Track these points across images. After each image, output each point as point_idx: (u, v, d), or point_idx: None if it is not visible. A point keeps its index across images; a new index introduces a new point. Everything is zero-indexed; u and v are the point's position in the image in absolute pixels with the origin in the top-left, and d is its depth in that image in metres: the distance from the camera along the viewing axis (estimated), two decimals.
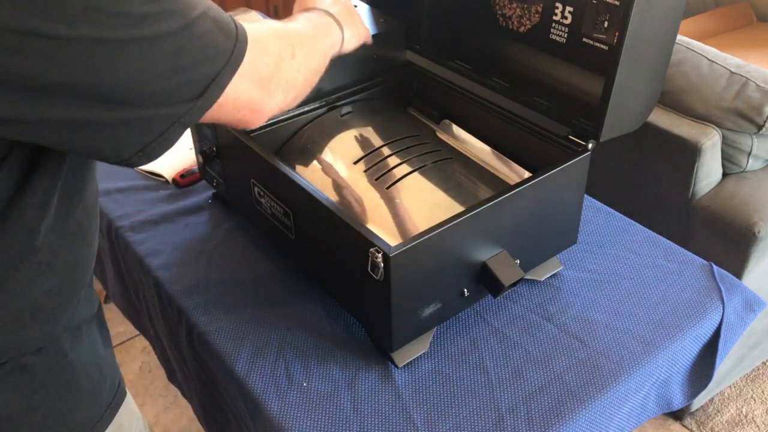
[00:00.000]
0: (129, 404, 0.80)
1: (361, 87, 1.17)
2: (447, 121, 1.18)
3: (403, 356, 0.93)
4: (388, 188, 1.00)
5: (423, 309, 0.89)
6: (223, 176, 1.15)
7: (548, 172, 0.93)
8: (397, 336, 0.89)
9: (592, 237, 1.14)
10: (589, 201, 1.21)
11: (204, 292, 1.05)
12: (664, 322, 0.99)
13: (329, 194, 0.89)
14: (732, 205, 1.41)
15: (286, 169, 0.94)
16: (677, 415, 1.77)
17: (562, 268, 1.08)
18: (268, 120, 0.73)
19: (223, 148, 1.10)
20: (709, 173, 1.43)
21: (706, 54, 1.46)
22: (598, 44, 0.99)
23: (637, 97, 0.95)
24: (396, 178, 1.01)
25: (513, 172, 1.06)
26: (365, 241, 0.81)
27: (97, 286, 2.23)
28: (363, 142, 1.09)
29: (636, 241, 1.13)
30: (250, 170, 1.03)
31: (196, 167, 1.28)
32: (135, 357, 2.00)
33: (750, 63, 1.45)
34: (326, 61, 0.83)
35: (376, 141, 1.08)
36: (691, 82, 1.44)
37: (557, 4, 1.03)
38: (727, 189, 1.44)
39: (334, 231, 0.88)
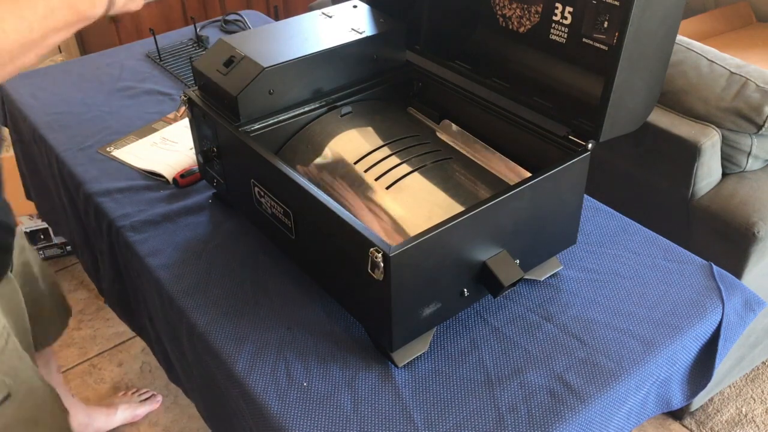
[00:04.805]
0: None
1: (361, 87, 1.17)
2: (447, 121, 1.18)
3: (403, 356, 0.93)
4: (388, 188, 1.00)
5: (423, 309, 0.89)
6: (223, 176, 1.15)
7: (548, 172, 0.93)
8: (397, 336, 0.89)
9: (591, 237, 1.14)
10: (588, 201, 1.21)
11: (204, 292, 1.05)
12: (663, 321, 0.99)
13: (329, 194, 0.89)
14: (732, 205, 1.41)
15: (286, 169, 0.94)
16: (677, 415, 1.77)
17: (561, 268, 1.08)
18: None
19: (223, 148, 1.10)
20: (708, 173, 1.43)
21: (706, 54, 1.46)
22: (598, 44, 0.99)
23: (637, 97, 0.95)
24: (396, 178, 1.01)
25: (513, 172, 1.06)
26: (365, 241, 0.81)
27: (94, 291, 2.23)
28: (363, 142, 1.09)
29: (636, 241, 1.13)
30: (250, 170, 1.03)
31: (196, 167, 1.28)
32: (135, 357, 2.01)
33: (750, 63, 1.45)
34: (43, 26, 0.75)
35: (376, 141, 1.09)
36: (691, 82, 1.44)
37: (557, 4, 1.03)
38: (727, 189, 1.44)
39: (334, 231, 0.88)
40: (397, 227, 0.96)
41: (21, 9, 0.74)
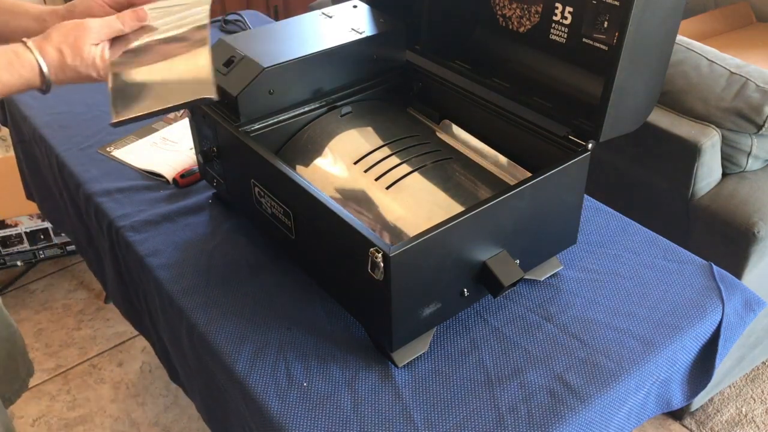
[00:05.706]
0: None
1: (361, 87, 1.17)
2: (447, 121, 1.18)
3: (403, 356, 0.93)
4: (388, 188, 1.00)
5: (423, 309, 0.89)
6: (223, 176, 1.15)
7: (548, 172, 0.93)
8: (397, 336, 0.89)
9: (592, 237, 1.14)
10: (589, 201, 1.21)
11: (204, 292, 1.05)
12: (663, 321, 0.99)
13: (329, 194, 0.89)
14: (732, 205, 1.41)
15: (286, 169, 0.94)
16: (677, 415, 1.77)
17: (561, 268, 1.08)
18: None
19: (223, 148, 1.10)
20: (708, 173, 1.43)
21: (706, 54, 1.46)
22: (597, 44, 0.99)
23: (637, 97, 0.95)
24: (396, 178, 1.01)
25: (513, 172, 1.06)
26: (365, 241, 0.81)
27: (97, 286, 2.23)
28: (363, 142, 1.09)
29: (636, 241, 1.13)
30: (250, 170, 1.03)
31: (196, 167, 1.28)
32: (135, 357, 2.01)
33: (750, 63, 1.45)
34: None
35: (376, 141, 1.09)
36: (691, 82, 1.44)
37: (557, 4, 1.03)
38: (727, 189, 1.44)
39: (334, 231, 0.88)
40: (397, 227, 0.96)
41: None
